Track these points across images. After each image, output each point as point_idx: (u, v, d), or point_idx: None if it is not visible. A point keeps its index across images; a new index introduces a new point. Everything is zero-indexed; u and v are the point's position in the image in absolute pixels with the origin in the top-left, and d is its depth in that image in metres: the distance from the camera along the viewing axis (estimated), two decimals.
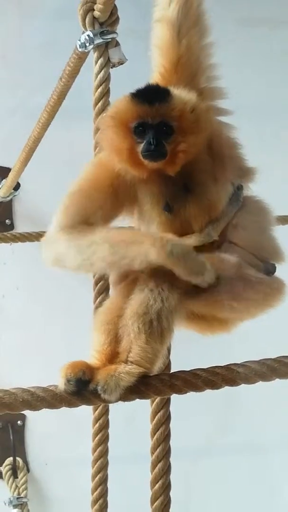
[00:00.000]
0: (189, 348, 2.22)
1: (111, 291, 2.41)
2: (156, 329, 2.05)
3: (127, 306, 2.09)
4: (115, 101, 2.23)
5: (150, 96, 2.13)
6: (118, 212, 2.26)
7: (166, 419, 2.38)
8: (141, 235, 2.13)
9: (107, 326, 2.14)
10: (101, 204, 2.20)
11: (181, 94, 2.15)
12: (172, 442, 2.38)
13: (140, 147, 2.14)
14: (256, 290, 2.19)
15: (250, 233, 2.26)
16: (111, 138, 2.20)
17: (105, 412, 2.89)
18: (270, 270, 2.25)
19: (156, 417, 2.38)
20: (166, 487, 2.33)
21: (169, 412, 2.39)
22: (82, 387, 2.01)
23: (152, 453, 2.36)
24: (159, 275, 2.07)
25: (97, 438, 2.91)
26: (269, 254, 2.27)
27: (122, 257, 2.06)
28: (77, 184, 2.26)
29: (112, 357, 2.11)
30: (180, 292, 2.08)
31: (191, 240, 2.19)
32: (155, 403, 2.39)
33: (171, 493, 2.34)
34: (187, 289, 2.10)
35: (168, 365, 2.37)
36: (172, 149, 2.14)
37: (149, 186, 2.21)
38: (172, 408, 2.41)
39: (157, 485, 2.32)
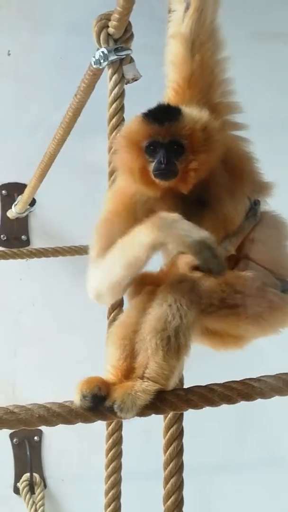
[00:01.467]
0: (204, 362, 2.21)
1: (126, 305, 2.41)
2: (173, 346, 2.04)
3: (145, 320, 2.09)
4: (128, 122, 2.24)
5: (161, 115, 2.15)
6: None
7: (179, 434, 2.37)
8: (138, 226, 2.10)
9: (122, 341, 2.14)
10: (127, 231, 2.20)
11: (192, 112, 2.16)
12: (187, 458, 2.37)
13: (151, 166, 2.16)
14: (272, 308, 2.18)
15: (267, 248, 2.25)
16: (124, 158, 2.22)
17: (119, 428, 2.89)
18: (287, 288, 2.24)
19: (169, 432, 2.37)
20: (179, 503, 2.31)
21: (182, 428, 2.38)
22: (98, 403, 2.01)
23: (165, 468, 2.35)
24: (178, 289, 2.08)
25: (110, 454, 2.91)
26: (286, 270, 2.27)
27: (129, 256, 2.08)
28: (102, 215, 2.29)
29: (128, 372, 2.10)
30: (197, 308, 2.08)
31: None
32: (167, 418, 2.38)
33: (184, 509, 2.32)
34: (204, 305, 2.10)
35: (180, 380, 2.37)
36: (183, 167, 2.15)
37: (165, 203, 2.22)
38: (187, 424, 2.40)
39: (169, 501, 2.31)
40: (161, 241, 2.03)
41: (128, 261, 2.10)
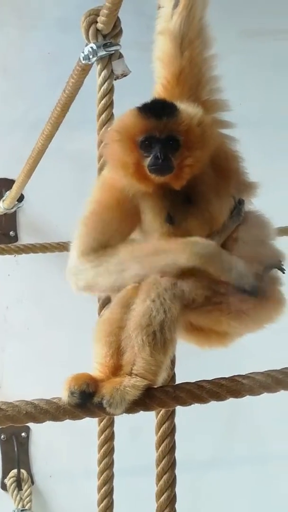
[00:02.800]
0: (194, 360, 2.21)
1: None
2: (160, 341, 2.05)
3: (129, 317, 2.10)
4: (121, 115, 2.23)
5: (158, 110, 2.13)
6: (133, 227, 2.27)
7: (171, 431, 2.37)
8: (166, 243, 2.15)
9: (108, 338, 2.14)
10: (117, 226, 2.23)
11: (188, 108, 2.16)
12: (179, 455, 2.37)
13: (147, 161, 2.15)
14: (255, 304, 2.19)
15: (250, 245, 2.25)
16: (116, 153, 2.20)
17: (110, 424, 2.89)
18: (276, 267, 2.24)
19: (161, 429, 2.37)
20: (172, 499, 2.32)
21: (174, 424, 2.38)
22: (86, 400, 2.01)
23: (158, 465, 2.35)
24: (160, 284, 2.08)
25: (102, 450, 2.90)
26: (266, 261, 2.26)
27: (153, 269, 2.10)
28: (89, 208, 2.28)
29: (115, 369, 2.11)
30: (181, 302, 2.09)
31: None
32: (160, 415, 2.38)
33: (177, 506, 2.33)
34: (186, 301, 2.11)
35: (172, 377, 2.37)
36: (178, 163, 2.14)
37: (152, 199, 2.22)
38: (178, 420, 2.40)
39: (162, 498, 2.31)
40: (197, 266, 2.08)
41: (147, 273, 2.12)
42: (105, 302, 2.84)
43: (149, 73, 2.34)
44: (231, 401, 2.13)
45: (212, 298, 2.14)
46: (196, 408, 2.17)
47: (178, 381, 2.24)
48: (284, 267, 2.27)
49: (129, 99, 2.30)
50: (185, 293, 2.11)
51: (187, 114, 2.13)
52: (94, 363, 2.15)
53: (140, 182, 2.18)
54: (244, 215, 2.28)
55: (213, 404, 2.13)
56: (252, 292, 2.09)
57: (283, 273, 2.27)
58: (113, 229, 2.22)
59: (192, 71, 2.22)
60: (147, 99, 2.25)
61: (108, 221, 2.22)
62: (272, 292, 2.24)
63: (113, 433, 2.91)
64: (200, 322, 2.24)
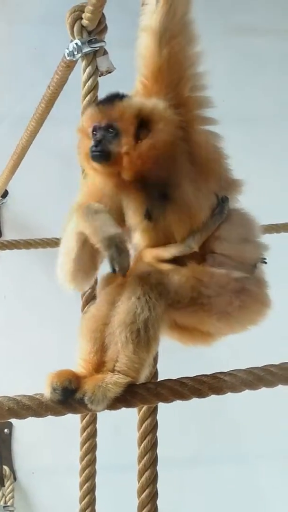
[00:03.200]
0: (176, 357, 2.22)
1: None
2: (143, 338, 2.05)
3: (114, 314, 2.09)
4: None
5: (103, 100, 2.25)
6: (119, 224, 2.26)
7: (153, 427, 2.37)
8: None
9: (93, 334, 2.13)
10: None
11: (137, 100, 2.20)
12: (160, 452, 2.38)
13: None
14: (240, 306, 2.19)
15: (233, 244, 2.25)
16: (79, 146, 2.28)
17: (93, 420, 2.88)
18: (252, 269, 2.25)
19: (143, 425, 2.38)
20: (153, 495, 2.32)
21: (156, 421, 2.38)
22: (68, 396, 2.01)
23: (139, 461, 2.35)
24: (146, 281, 2.08)
25: (85, 447, 2.90)
26: (249, 258, 2.27)
27: (69, 241, 2.19)
28: (73, 208, 2.27)
29: (99, 366, 2.10)
30: (166, 301, 2.09)
31: (171, 250, 2.20)
32: (142, 411, 2.39)
33: (158, 502, 2.33)
34: (171, 300, 2.11)
35: (155, 374, 2.37)
36: (117, 151, 2.16)
37: (131, 194, 2.23)
38: (160, 418, 2.40)
39: (144, 494, 2.32)
40: (83, 231, 2.10)
41: (68, 247, 2.19)
42: (89, 299, 2.85)
43: (134, 70, 2.33)
44: (213, 398, 2.14)
45: (198, 299, 2.14)
46: (178, 405, 2.17)
47: (160, 377, 2.25)
48: (266, 259, 2.28)
49: None
50: (171, 292, 2.11)
51: (128, 104, 2.18)
52: (78, 359, 2.15)
53: (95, 174, 2.24)
54: (228, 213, 2.27)
55: (195, 401, 2.14)
56: (121, 271, 2.07)
57: (265, 263, 2.28)
58: None
59: (171, 68, 2.21)
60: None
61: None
62: (258, 294, 2.25)
63: (95, 430, 2.91)
64: (184, 321, 2.24)
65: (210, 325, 2.23)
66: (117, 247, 2.04)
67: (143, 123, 2.16)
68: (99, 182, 2.26)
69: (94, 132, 2.20)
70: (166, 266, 2.17)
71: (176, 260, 2.19)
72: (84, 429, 2.91)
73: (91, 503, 2.90)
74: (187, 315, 2.18)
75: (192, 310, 2.15)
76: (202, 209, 2.21)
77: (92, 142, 2.19)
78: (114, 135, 2.17)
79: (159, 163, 2.18)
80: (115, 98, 2.21)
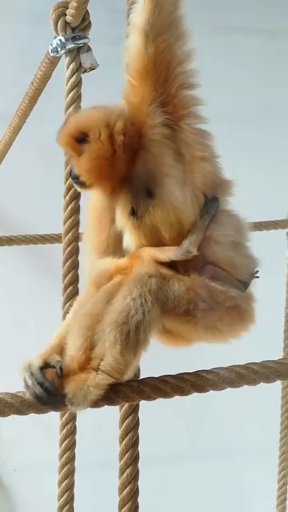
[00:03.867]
0: (158, 354, 2.21)
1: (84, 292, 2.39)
2: (132, 341, 2.03)
3: (107, 311, 2.07)
4: None
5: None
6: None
7: (135, 425, 2.37)
8: None
9: (86, 331, 2.09)
10: (105, 234, 2.32)
11: (73, 121, 2.28)
12: (142, 449, 2.38)
13: None
14: (229, 323, 2.21)
15: (223, 248, 2.23)
16: None
17: (73, 418, 2.88)
18: (245, 285, 2.26)
19: (125, 423, 2.37)
20: (134, 493, 2.32)
21: (138, 418, 2.38)
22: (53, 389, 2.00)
23: (120, 459, 2.35)
24: (146, 284, 2.07)
25: (64, 444, 2.90)
26: (242, 272, 2.27)
27: None
28: (86, 224, 2.42)
29: (84, 363, 2.07)
30: (162, 307, 2.08)
31: (168, 253, 2.18)
32: (123, 409, 2.38)
33: (139, 499, 2.33)
34: (167, 308, 2.11)
35: (137, 372, 2.37)
36: (78, 173, 2.24)
37: (117, 197, 2.24)
38: (142, 415, 2.40)
39: (125, 491, 2.31)
40: None
41: None
42: (70, 296, 2.85)
43: (118, 67, 2.33)
44: (195, 396, 2.14)
45: (192, 310, 2.13)
46: (160, 402, 2.18)
47: (143, 375, 2.24)
48: (258, 273, 2.29)
49: (97, 92, 2.31)
50: (169, 300, 2.10)
51: (66, 129, 2.25)
52: (64, 356, 2.13)
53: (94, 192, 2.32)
54: (216, 213, 2.26)
55: (177, 399, 2.14)
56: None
57: (258, 277, 2.29)
58: (104, 239, 2.32)
59: (158, 67, 2.19)
60: (114, 92, 2.27)
61: (98, 232, 2.33)
62: (247, 311, 2.26)
63: (75, 427, 2.90)
64: (172, 328, 2.24)
65: (196, 335, 2.25)
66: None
67: (79, 139, 2.22)
68: (99, 199, 2.32)
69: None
70: (168, 272, 2.16)
71: (170, 263, 2.19)
72: (63, 426, 2.91)
73: (69, 500, 2.90)
74: (176, 323, 2.19)
75: (183, 320, 2.15)
76: (190, 208, 2.20)
77: None
78: (74, 161, 2.26)
79: (142, 163, 2.19)
80: (62, 125, 2.28)
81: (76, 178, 2.24)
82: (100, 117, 2.22)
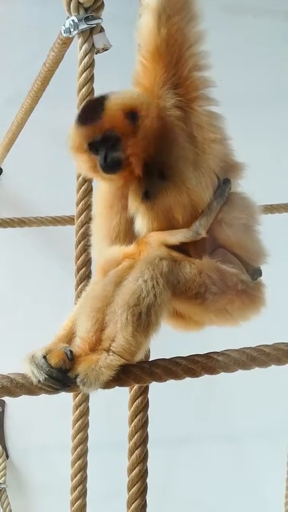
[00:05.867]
0: (170, 336, 2.22)
1: (93, 278, 2.40)
2: (144, 323, 2.04)
3: (118, 293, 2.08)
4: (69, 130, 2.26)
5: (86, 116, 2.22)
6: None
7: (144, 406, 2.37)
8: None
9: (96, 313, 2.10)
10: (116, 221, 2.30)
11: (116, 100, 2.20)
12: (151, 431, 2.39)
13: (98, 163, 2.22)
14: (239, 306, 2.22)
15: (235, 231, 2.24)
16: (79, 163, 2.31)
17: (85, 399, 2.89)
18: (256, 274, 2.26)
19: (134, 404, 2.38)
20: (143, 474, 2.33)
21: (147, 399, 2.38)
22: (62, 376, 2.01)
23: (130, 440, 2.36)
24: (158, 266, 2.08)
25: (77, 425, 2.91)
26: (252, 256, 2.28)
27: None
28: (93, 222, 2.41)
29: (95, 345, 2.08)
30: (172, 290, 2.09)
31: (177, 236, 2.18)
32: (133, 390, 2.39)
33: (148, 480, 2.34)
34: (178, 290, 2.11)
35: (147, 353, 2.37)
36: (125, 156, 2.18)
37: (132, 183, 2.24)
38: (151, 396, 2.41)
39: (134, 472, 2.32)
40: None
41: None
42: (83, 278, 2.85)
43: (131, 47, 2.31)
44: (204, 378, 2.15)
45: (203, 293, 2.14)
46: (169, 384, 2.18)
47: (153, 357, 2.25)
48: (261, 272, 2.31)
49: (109, 73, 2.30)
50: (180, 282, 2.11)
51: (111, 109, 2.18)
52: (75, 337, 2.14)
53: (107, 181, 2.27)
54: (229, 196, 2.26)
55: (187, 380, 2.14)
56: None
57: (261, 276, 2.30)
58: (115, 226, 2.31)
59: (170, 48, 2.18)
60: (128, 73, 2.26)
61: (110, 219, 2.32)
62: (258, 296, 2.27)
63: (88, 408, 2.92)
64: (183, 311, 2.25)
65: (207, 319, 2.26)
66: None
67: (131, 116, 2.17)
68: (109, 187, 2.31)
69: (91, 148, 2.21)
70: (179, 255, 2.16)
71: (181, 246, 2.18)
72: (76, 407, 2.92)
73: (83, 481, 2.92)
74: (187, 306, 2.20)
75: (194, 303, 2.16)
76: (203, 188, 2.20)
77: (98, 158, 2.20)
78: (114, 143, 2.18)
79: (156, 145, 2.18)
80: (98, 109, 2.20)
81: (114, 162, 2.19)
82: (143, 96, 2.20)
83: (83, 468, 2.92)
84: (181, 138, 2.19)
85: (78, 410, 2.92)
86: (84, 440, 2.93)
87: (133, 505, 2.32)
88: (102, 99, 2.22)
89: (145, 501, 2.34)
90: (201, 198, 2.20)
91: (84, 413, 2.92)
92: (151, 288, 2.04)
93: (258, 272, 2.27)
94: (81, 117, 2.23)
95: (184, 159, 2.18)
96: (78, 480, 2.91)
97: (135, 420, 2.36)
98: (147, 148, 2.18)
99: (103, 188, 2.35)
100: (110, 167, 2.19)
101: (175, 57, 2.19)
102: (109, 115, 2.17)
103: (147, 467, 2.34)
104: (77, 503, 2.91)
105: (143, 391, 2.38)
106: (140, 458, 2.33)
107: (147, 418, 2.37)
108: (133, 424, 2.36)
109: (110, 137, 2.17)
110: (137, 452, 2.33)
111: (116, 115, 2.17)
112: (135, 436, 2.35)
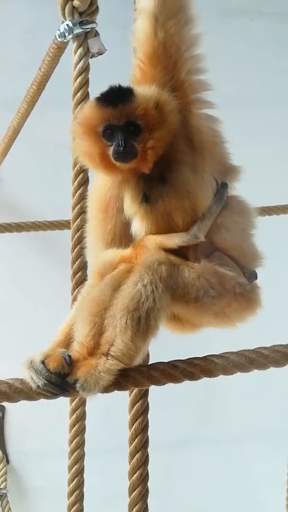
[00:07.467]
0: (168, 339, 2.21)
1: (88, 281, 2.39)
2: (143, 327, 2.04)
3: (117, 297, 2.08)
4: (83, 107, 2.22)
5: (114, 98, 2.14)
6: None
7: (144, 409, 2.38)
8: None
9: (94, 318, 2.10)
10: (112, 224, 2.28)
11: (144, 91, 2.16)
12: (152, 434, 2.39)
13: (111, 150, 2.16)
14: (237, 309, 2.23)
15: (232, 235, 2.24)
16: (82, 145, 2.23)
17: (82, 403, 2.88)
18: (252, 277, 2.26)
19: (134, 407, 2.38)
20: (144, 477, 2.33)
21: (147, 403, 2.39)
22: (61, 381, 2.00)
23: (130, 443, 2.36)
24: (157, 271, 2.08)
25: (73, 430, 2.90)
26: (249, 259, 2.28)
27: None
28: (87, 224, 2.38)
29: (94, 349, 2.08)
30: (172, 294, 2.09)
31: (175, 240, 2.18)
32: (133, 393, 2.39)
33: (149, 484, 2.34)
34: (177, 295, 2.11)
35: (146, 357, 2.37)
36: (142, 147, 2.15)
37: (129, 184, 2.23)
38: (151, 400, 2.41)
39: (134, 476, 2.33)
40: None
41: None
42: (79, 282, 2.85)
43: (126, 51, 2.32)
44: (204, 381, 2.14)
45: (202, 297, 2.14)
46: (169, 387, 2.18)
47: (152, 360, 2.24)
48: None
49: (105, 77, 2.29)
50: (179, 287, 2.11)
51: (143, 97, 2.13)
52: (73, 342, 2.14)
53: (108, 171, 2.21)
54: (227, 199, 2.26)
55: (186, 384, 2.14)
56: None
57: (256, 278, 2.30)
58: (110, 230, 2.28)
59: (166, 52, 2.18)
60: (123, 78, 2.25)
61: (104, 223, 2.29)
62: (254, 299, 2.28)
63: (84, 412, 2.90)
64: (181, 314, 2.25)
65: (204, 320, 2.26)
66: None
67: (160, 108, 2.15)
68: (104, 187, 2.27)
69: (108, 131, 2.16)
70: (177, 259, 2.16)
71: (178, 250, 2.18)
72: (73, 411, 2.91)
73: (79, 486, 2.91)
74: (186, 309, 2.19)
75: (192, 306, 2.16)
76: (202, 191, 2.20)
77: (113, 143, 2.15)
78: (136, 133, 2.15)
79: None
80: (128, 93, 2.14)
81: (131, 152, 2.14)
82: (167, 93, 2.17)
83: (80, 473, 2.91)
84: (180, 142, 2.19)
85: (75, 415, 2.91)
86: (81, 445, 2.92)
87: (135, 509, 2.32)
88: (128, 87, 2.17)
89: (147, 504, 2.34)
90: (201, 202, 2.20)
91: (81, 418, 2.91)
92: (150, 292, 2.04)
93: (254, 275, 2.27)
94: (106, 98, 2.16)
95: (184, 162, 2.19)
96: (75, 485, 2.90)
97: (136, 423, 2.36)
98: (165, 145, 2.16)
99: (98, 190, 2.34)
100: (126, 155, 2.14)
101: (173, 60, 2.19)
102: (139, 102, 2.13)
103: (148, 471, 2.35)
104: (74, 507, 2.90)
105: (143, 395, 2.38)
106: (141, 461, 2.33)
107: (147, 421, 2.38)
108: (133, 427, 2.37)
109: (134, 125, 2.14)
110: (137, 455, 2.33)
111: (147, 104, 2.13)
112: (136, 440, 2.35)
